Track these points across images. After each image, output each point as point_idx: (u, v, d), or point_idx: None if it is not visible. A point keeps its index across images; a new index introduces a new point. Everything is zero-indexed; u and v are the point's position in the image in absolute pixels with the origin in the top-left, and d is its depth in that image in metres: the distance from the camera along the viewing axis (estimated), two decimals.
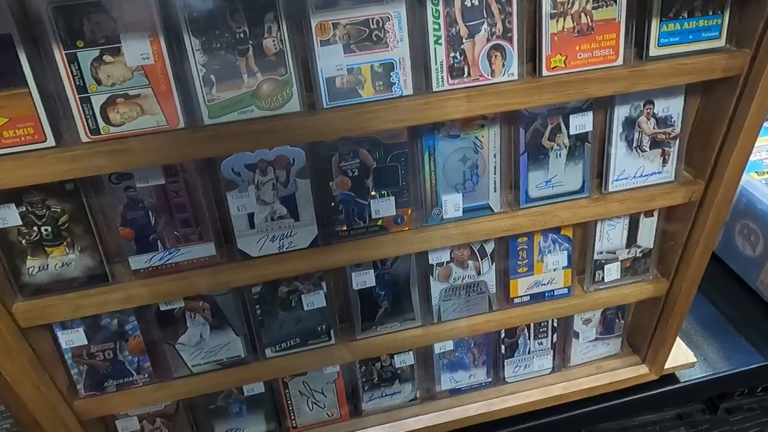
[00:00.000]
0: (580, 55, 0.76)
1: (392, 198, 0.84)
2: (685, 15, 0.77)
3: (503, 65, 0.74)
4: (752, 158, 1.21)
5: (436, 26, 0.71)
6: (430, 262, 0.95)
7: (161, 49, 0.65)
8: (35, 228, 0.74)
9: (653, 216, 1.00)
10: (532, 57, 0.76)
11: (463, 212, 0.88)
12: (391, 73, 0.72)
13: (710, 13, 0.78)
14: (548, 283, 1.02)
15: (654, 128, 0.89)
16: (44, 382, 0.83)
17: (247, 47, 0.67)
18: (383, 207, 0.84)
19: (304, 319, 0.94)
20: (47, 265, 0.77)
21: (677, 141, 0.90)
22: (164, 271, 0.81)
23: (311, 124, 0.71)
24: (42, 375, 0.82)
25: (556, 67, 0.76)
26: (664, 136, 0.90)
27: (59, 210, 0.74)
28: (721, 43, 0.80)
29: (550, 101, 0.77)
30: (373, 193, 0.83)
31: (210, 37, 0.66)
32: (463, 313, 1.00)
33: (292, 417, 1.08)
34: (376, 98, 0.72)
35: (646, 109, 0.87)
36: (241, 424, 1.07)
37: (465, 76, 0.74)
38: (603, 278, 1.04)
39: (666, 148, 0.91)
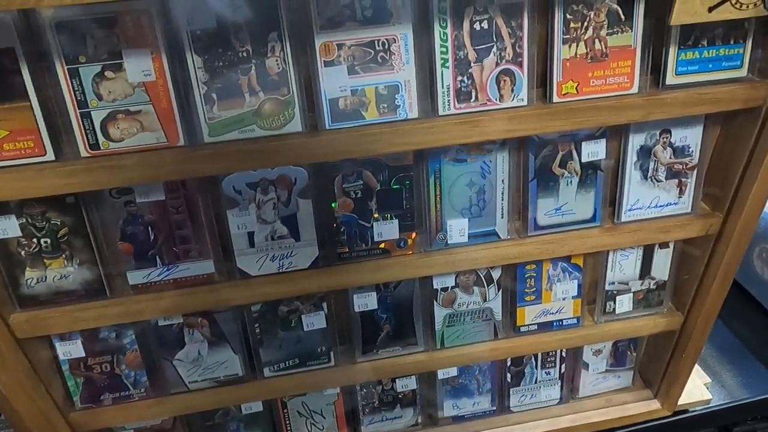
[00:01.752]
0: (593, 82, 0.74)
1: (396, 221, 0.82)
2: (705, 43, 0.74)
3: (512, 90, 0.72)
4: None
5: (444, 49, 0.69)
6: (435, 287, 0.93)
7: (163, 65, 0.64)
8: (35, 240, 0.74)
9: (669, 247, 0.96)
10: (543, 82, 0.74)
11: (469, 238, 0.85)
12: (396, 96, 0.70)
13: (731, 42, 0.75)
14: (557, 312, 0.99)
15: (670, 158, 0.86)
16: (39, 394, 0.82)
17: (250, 66, 0.66)
18: (386, 230, 0.82)
19: (303, 339, 0.93)
20: (45, 277, 0.76)
21: (695, 172, 0.87)
22: (162, 287, 0.80)
23: (312, 145, 0.69)
24: (37, 386, 0.82)
25: (567, 93, 0.74)
26: (681, 167, 0.87)
27: (59, 222, 0.74)
28: (742, 72, 0.77)
29: (560, 128, 0.75)
30: (376, 215, 0.81)
31: (212, 54, 0.65)
32: (468, 339, 0.98)
33: None
34: (380, 120, 0.71)
35: (663, 138, 0.84)
36: None
37: (472, 100, 0.72)
38: (614, 309, 1.00)
39: (683, 179, 0.87)
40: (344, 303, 0.91)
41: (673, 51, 0.74)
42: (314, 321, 0.91)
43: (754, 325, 1.15)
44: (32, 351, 0.81)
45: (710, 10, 0.66)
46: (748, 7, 0.67)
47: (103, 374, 0.88)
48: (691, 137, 0.85)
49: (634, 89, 0.75)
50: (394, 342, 0.96)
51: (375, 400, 1.07)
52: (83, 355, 0.86)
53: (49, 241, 0.75)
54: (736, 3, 0.66)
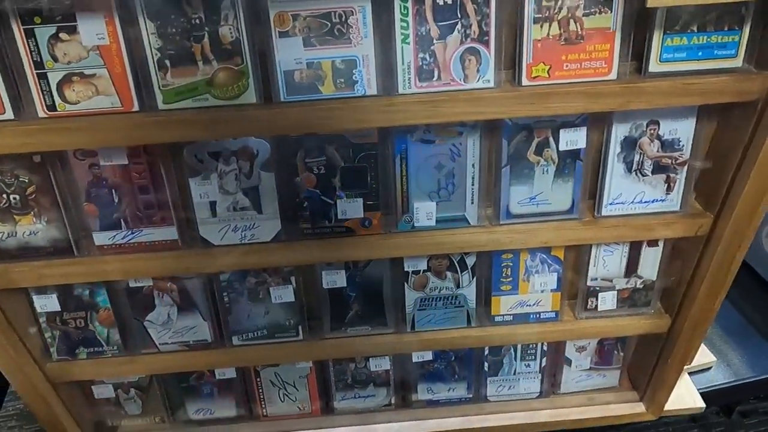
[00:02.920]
0: (566, 66, 0.69)
1: (360, 200, 0.80)
2: (695, 29, 0.68)
3: (478, 71, 0.69)
4: None
5: (404, 24, 0.66)
6: (406, 269, 0.91)
7: (116, 29, 0.64)
8: (4, 195, 0.77)
9: (657, 246, 0.91)
10: (513, 64, 0.70)
11: (437, 222, 0.83)
12: (354, 71, 0.68)
13: (726, 29, 0.69)
14: (534, 304, 0.95)
15: (658, 151, 0.80)
16: (12, 344, 0.86)
17: (203, 34, 0.65)
18: (350, 208, 0.81)
19: (271, 311, 0.93)
20: (15, 233, 0.79)
21: (685, 167, 0.81)
22: (127, 250, 0.81)
23: (266, 117, 0.68)
24: (11, 336, 0.85)
25: (538, 76, 0.70)
26: (669, 161, 0.81)
27: (27, 180, 0.76)
28: (737, 62, 0.70)
29: (529, 113, 0.71)
30: (339, 193, 0.80)
31: (165, 20, 0.64)
32: (440, 325, 0.96)
33: (263, 405, 1.08)
34: (337, 96, 0.69)
35: (650, 129, 0.79)
36: (212, 406, 1.08)
37: (435, 79, 0.69)
38: (596, 306, 0.96)
39: (671, 174, 0.82)
40: (313, 279, 0.91)
41: (657, 36, 0.69)
42: (282, 294, 0.91)
43: (761, 304, 1.12)
44: (6, 303, 0.84)
45: None
46: None
47: (77, 329, 0.92)
48: (682, 130, 0.79)
49: (613, 75, 0.70)
50: (364, 321, 0.95)
51: (348, 377, 1.07)
52: (59, 309, 0.90)
53: (17, 197, 0.77)
54: None
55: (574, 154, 0.80)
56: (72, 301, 0.90)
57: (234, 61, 0.67)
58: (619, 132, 0.79)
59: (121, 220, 0.80)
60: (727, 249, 0.82)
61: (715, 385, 1.05)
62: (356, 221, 0.82)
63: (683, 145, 0.80)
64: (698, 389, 1.07)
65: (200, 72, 0.67)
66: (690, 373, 1.09)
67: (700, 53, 0.70)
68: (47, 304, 0.89)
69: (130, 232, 0.80)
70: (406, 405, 1.10)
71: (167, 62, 0.66)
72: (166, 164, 0.76)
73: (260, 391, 1.07)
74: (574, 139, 0.78)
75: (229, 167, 0.77)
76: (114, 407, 1.06)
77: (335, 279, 0.91)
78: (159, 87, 0.67)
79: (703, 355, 1.07)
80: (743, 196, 0.77)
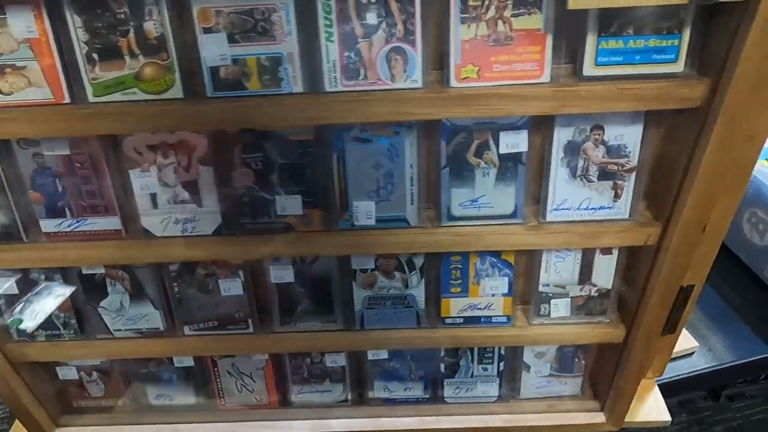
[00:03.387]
0: (496, 67, 0.68)
1: (299, 197, 0.80)
2: (631, 31, 0.66)
3: (405, 71, 0.68)
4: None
5: (328, 22, 0.66)
6: (353, 267, 0.91)
7: (44, 23, 0.66)
8: None
9: (612, 254, 0.88)
10: (442, 65, 0.69)
11: (378, 221, 0.82)
12: (280, 68, 0.68)
13: (664, 32, 0.66)
14: (485, 308, 0.94)
15: (603, 157, 0.78)
16: None
17: (128, 29, 0.66)
18: (289, 205, 0.81)
19: (221, 303, 0.94)
20: None
21: (633, 175, 0.79)
22: (74, 238, 0.83)
23: (192, 112, 0.69)
24: None
25: (467, 78, 0.68)
26: (616, 167, 0.78)
27: None
28: (678, 67, 0.68)
29: (458, 115, 0.70)
30: (278, 189, 0.80)
31: (91, 15, 0.65)
32: (389, 324, 0.95)
33: (221, 395, 1.09)
34: (263, 93, 0.69)
35: (594, 134, 0.76)
36: (172, 392, 1.10)
37: (361, 78, 0.68)
38: (549, 313, 0.94)
39: (618, 182, 0.79)
40: (261, 272, 0.92)
41: (591, 38, 0.66)
42: (231, 287, 0.92)
43: (742, 289, 1.13)
44: None
45: None
46: None
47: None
48: (628, 136, 0.76)
49: (545, 78, 0.68)
50: (313, 317, 0.95)
51: (304, 372, 1.07)
52: (17, 292, 0.93)
53: None
54: None
55: (515, 158, 0.78)
56: (29, 286, 0.92)
57: (160, 56, 0.67)
58: (561, 136, 0.77)
59: (66, 209, 0.82)
60: (675, 260, 0.80)
61: (697, 370, 1.05)
62: (296, 218, 0.82)
63: (630, 152, 0.77)
64: (681, 375, 1.06)
65: (127, 66, 0.68)
66: (673, 359, 1.08)
67: (637, 57, 0.67)
68: (6, 287, 0.92)
69: (75, 221, 0.82)
70: (362, 402, 1.10)
71: (95, 56, 0.67)
72: (107, 155, 0.78)
73: (218, 380, 1.08)
74: (514, 142, 0.77)
75: (168, 160, 0.78)
76: (77, 389, 1.09)
77: (282, 274, 0.91)
78: (88, 80, 0.68)
79: (686, 341, 1.06)
80: (688, 206, 0.74)
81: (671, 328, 0.95)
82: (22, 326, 0.93)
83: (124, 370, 1.07)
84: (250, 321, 0.96)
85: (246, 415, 1.10)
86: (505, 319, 0.95)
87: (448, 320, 0.95)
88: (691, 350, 1.07)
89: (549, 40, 0.66)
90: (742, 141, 0.68)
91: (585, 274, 0.91)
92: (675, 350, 1.03)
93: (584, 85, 0.68)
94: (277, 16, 0.65)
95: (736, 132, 0.66)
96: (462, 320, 0.95)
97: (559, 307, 0.94)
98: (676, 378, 1.05)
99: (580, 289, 0.92)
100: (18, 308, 0.92)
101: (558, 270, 0.90)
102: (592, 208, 0.81)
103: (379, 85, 0.69)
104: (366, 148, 0.78)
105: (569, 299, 0.93)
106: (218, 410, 1.11)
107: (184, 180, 0.79)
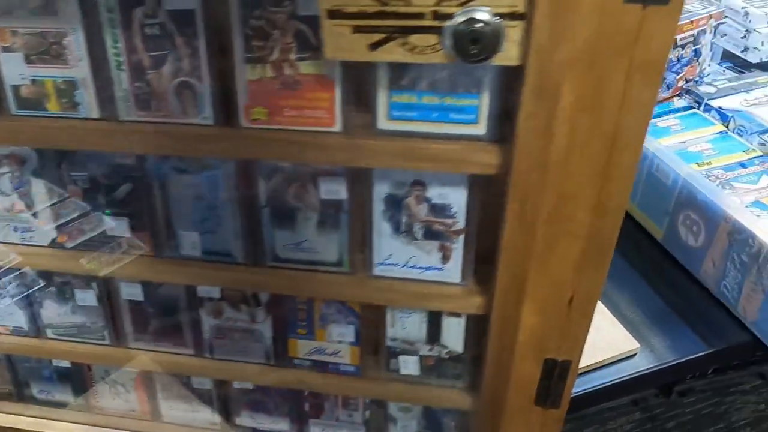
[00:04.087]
0: (286, 112, 0.64)
1: (126, 219, 0.80)
2: (424, 86, 0.60)
3: (195, 106, 0.65)
4: (693, 149, 1.15)
5: (116, 50, 0.64)
6: (199, 295, 0.89)
7: None
8: None
9: (460, 317, 0.82)
10: (233, 104, 0.66)
11: (206, 253, 0.80)
12: (75, 92, 0.67)
13: (461, 90, 0.60)
14: (333, 354, 0.90)
15: (427, 215, 0.72)
16: None
17: None
18: (118, 227, 0.80)
19: (79, 312, 0.95)
20: None
21: (461, 237, 0.72)
22: None
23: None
24: None
25: (257, 119, 0.65)
26: (442, 227, 0.72)
27: None
28: (479, 129, 0.61)
29: (249, 156, 0.67)
30: (106, 210, 0.80)
31: None
32: (239, 356, 0.93)
33: (96, 399, 1.11)
34: (62, 115, 0.68)
35: (415, 190, 0.70)
36: (52, 390, 1.12)
37: (153, 110, 0.66)
38: (398, 369, 0.88)
39: (446, 243, 0.73)
40: (115, 287, 0.92)
41: (383, 90, 0.61)
42: (86, 298, 0.93)
43: (680, 288, 1.15)
44: None
45: (373, 47, 0.53)
46: (422, 50, 0.53)
47: None
48: (453, 197, 0.70)
49: (337, 127, 0.63)
50: (164, 338, 0.94)
51: (173, 390, 1.06)
52: None
53: None
54: (404, 44, 0.53)
55: (337, 205, 0.74)
56: None
57: None
58: (380, 188, 0.71)
59: None
60: (502, 332, 0.72)
61: (639, 371, 1.04)
62: (127, 240, 0.81)
63: (456, 213, 0.71)
64: (624, 377, 1.04)
65: None
66: (617, 361, 1.06)
67: (435, 115, 0.61)
68: None
69: None
70: (231, 427, 1.08)
71: None
72: None
73: (93, 385, 1.09)
74: (333, 189, 0.72)
75: (2, 170, 0.79)
76: None
77: (133, 292, 0.91)
78: None
79: (628, 342, 1.05)
80: (499, 276, 0.67)
81: (553, 402, 0.87)
82: None
83: (9, 362, 1.11)
84: (106, 333, 0.96)
85: (118, 422, 1.11)
86: (353, 369, 0.90)
87: (296, 361, 0.92)
88: (633, 351, 1.05)
89: (338, 88, 0.62)
90: (539, 220, 0.61)
91: (433, 333, 0.84)
92: (617, 352, 1.04)
93: (376, 139, 0.63)
94: (68, 41, 0.65)
95: (527, 211, 0.59)
96: (309, 363, 0.91)
97: (408, 365, 0.88)
98: (621, 380, 1.03)
99: (429, 349, 0.86)
100: None
101: (404, 326, 0.85)
102: (420, 268, 0.75)
103: (170, 119, 0.67)
104: (185, 179, 0.76)
105: (418, 357, 0.87)
106: (93, 413, 1.12)
107: (19, 190, 0.81)
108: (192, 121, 0.66)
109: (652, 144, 1.15)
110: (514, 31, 0.50)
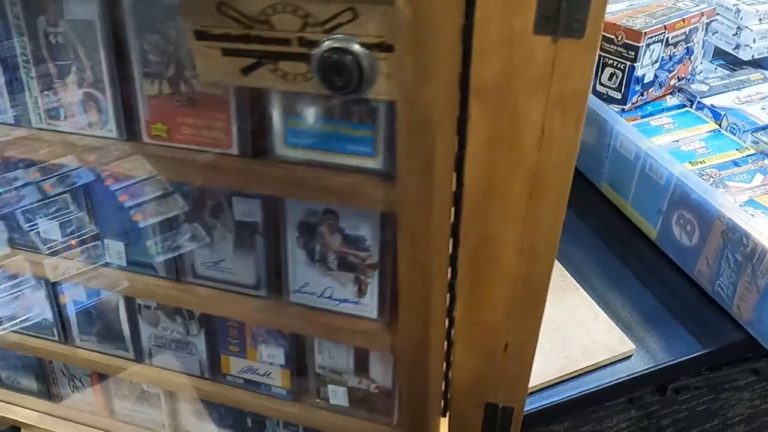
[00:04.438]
0: (185, 130, 0.61)
1: (57, 224, 0.79)
2: (319, 113, 0.56)
3: (100, 118, 0.64)
4: (686, 148, 1.12)
5: (25, 58, 0.63)
6: (138, 302, 0.88)
7: None
8: None
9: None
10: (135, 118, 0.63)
11: (131, 263, 0.79)
12: None
13: (356, 120, 0.55)
14: (264, 375, 0.87)
15: (341, 246, 0.67)
16: None
17: None
18: (50, 230, 0.80)
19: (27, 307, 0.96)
20: None
21: (377, 272, 0.67)
22: None
23: None
24: None
25: (158, 136, 0.62)
26: (356, 260, 0.68)
27: None
28: (377, 163, 0.56)
29: (149, 174, 0.64)
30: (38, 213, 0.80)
31: None
32: (175, 367, 0.92)
33: (57, 390, 1.12)
34: None
35: (328, 219, 0.66)
36: (19, 378, 1.15)
37: (62, 119, 0.65)
38: (328, 398, 0.84)
39: (362, 276, 0.68)
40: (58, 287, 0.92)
41: (279, 115, 0.57)
42: (35, 295, 0.94)
43: (674, 288, 1.12)
44: None
45: (244, 72, 0.49)
46: (294, 78, 0.48)
47: None
48: (365, 229, 0.65)
49: (234, 150, 0.60)
50: (107, 341, 0.94)
51: (125, 391, 1.07)
52: None
53: None
54: (275, 70, 0.48)
55: (252, 227, 0.70)
56: None
57: None
58: (293, 214, 0.67)
59: None
60: (411, 372, 0.67)
61: (635, 373, 1.01)
62: (59, 244, 0.81)
63: (370, 246, 0.66)
64: (619, 379, 1.00)
65: None
66: (612, 363, 1.02)
67: (331, 144, 0.57)
68: None
69: None
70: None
71: None
72: None
73: (53, 376, 1.11)
74: (248, 210, 0.69)
75: None
76: None
77: (76, 292, 0.91)
78: None
79: (623, 344, 1.02)
80: (401, 316, 0.62)
81: None
82: None
83: None
84: (54, 330, 0.97)
85: (77, 415, 1.12)
86: (284, 392, 0.87)
87: (229, 378, 0.89)
88: (629, 353, 1.02)
89: (233, 109, 0.58)
90: (436, 262, 0.55)
91: (361, 366, 0.80)
92: (612, 354, 1.00)
93: (272, 165, 0.59)
94: None
95: (418, 252, 0.54)
96: (242, 381, 0.89)
97: (337, 395, 0.84)
98: (616, 382, 0.99)
99: (358, 382, 0.82)
100: None
101: (332, 355, 0.81)
102: (336, 299, 0.71)
103: (78, 129, 0.65)
104: (107, 188, 0.74)
105: (346, 389, 0.83)
106: (54, 402, 1.14)
107: None
108: (97, 133, 0.65)
109: (645, 143, 1.12)
110: (385, 64, 0.45)
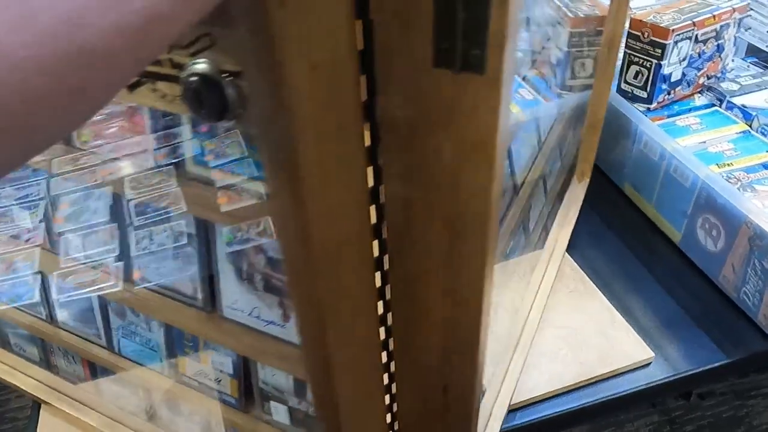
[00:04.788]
0: (110, 139, 0.60)
1: (26, 213, 0.82)
2: (223, 134, 0.53)
3: None
4: (713, 149, 1.07)
5: None
6: None
7: None
8: None
9: None
10: None
11: (88, 258, 0.80)
12: None
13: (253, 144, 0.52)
14: (215, 381, 0.86)
15: (265, 267, 0.65)
16: None
17: None
18: (20, 218, 0.83)
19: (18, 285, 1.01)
20: None
21: None
22: None
23: None
24: None
25: (86, 141, 0.62)
26: (280, 284, 0.65)
27: None
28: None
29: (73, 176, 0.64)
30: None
31: None
32: (142, 360, 0.93)
33: (55, 362, 1.18)
34: None
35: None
36: (25, 346, 1.22)
37: None
38: (272, 414, 0.83)
39: (286, 300, 0.65)
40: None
41: (187, 132, 0.55)
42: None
43: (697, 294, 1.08)
44: None
45: (130, 89, 0.48)
46: (173, 99, 0.46)
47: None
48: None
49: (150, 164, 0.59)
50: (82, 324, 0.97)
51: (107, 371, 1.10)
52: None
53: None
54: (155, 90, 0.46)
55: (188, 235, 0.69)
56: None
57: None
58: (224, 228, 0.65)
59: None
60: (322, 403, 0.64)
61: (653, 382, 0.97)
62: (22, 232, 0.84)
63: None
64: (637, 387, 0.96)
65: None
66: (630, 371, 0.98)
67: (239, 167, 0.54)
68: None
69: None
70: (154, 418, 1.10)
71: None
72: None
73: (51, 349, 1.17)
74: (181, 221, 0.68)
75: None
76: None
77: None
78: None
79: (642, 351, 0.98)
80: (304, 355, 0.58)
81: None
82: None
83: None
84: (41, 308, 1.02)
85: (67, 387, 1.17)
86: (233, 401, 0.86)
87: (185, 378, 0.90)
88: (648, 360, 0.97)
89: (149, 123, 0.57)
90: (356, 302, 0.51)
91: (301, 387, 0.77)
92: (631, 361, 0.97)
93: (181, 181, 0.57)
94: None
95: (304, 292, 0.50)
96: (197, 383, 0.89)
97: (279, 412, 0.82)
98: (634, 390, 0.95)
99: (299, 402, 0.79)
100: None
101: (273, 372, 0.78)
102: (264, 320, 0.68)
103: None
104: (64, 183, 0.76)
105: (288, 408, 0.80)
106: (52, 373, 1.20)
107: None
108: None
109: (670, 144, 1.05)
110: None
